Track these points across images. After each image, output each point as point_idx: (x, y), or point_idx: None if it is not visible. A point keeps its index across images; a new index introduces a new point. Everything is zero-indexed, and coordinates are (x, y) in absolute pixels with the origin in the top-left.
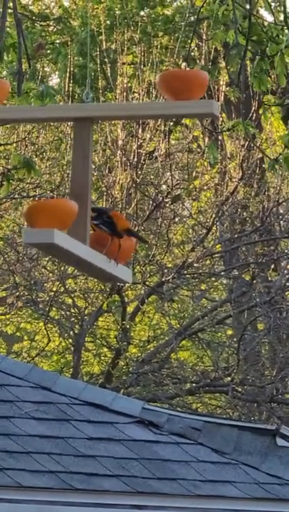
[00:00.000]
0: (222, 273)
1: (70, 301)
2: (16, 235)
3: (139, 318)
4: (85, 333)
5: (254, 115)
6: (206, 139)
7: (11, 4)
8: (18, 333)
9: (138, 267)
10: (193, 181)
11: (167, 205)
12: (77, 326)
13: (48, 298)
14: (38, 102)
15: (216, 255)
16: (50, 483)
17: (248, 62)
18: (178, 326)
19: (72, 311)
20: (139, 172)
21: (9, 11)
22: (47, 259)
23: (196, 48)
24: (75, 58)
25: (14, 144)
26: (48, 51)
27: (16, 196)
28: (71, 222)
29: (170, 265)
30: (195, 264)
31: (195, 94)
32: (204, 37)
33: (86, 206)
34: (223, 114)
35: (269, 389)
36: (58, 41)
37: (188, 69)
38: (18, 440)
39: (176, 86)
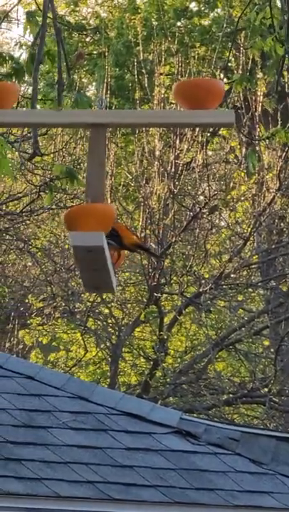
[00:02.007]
0: (259, 284)
1: (107, 311)
2: (53, 246)
3: (176, 329)
4: (122, 343)
5: None
6: (243, 150)
7: (51, 14)
8: (54, 343)
9: (175, 277)
10: (230, 192)
11: (204, 215)
12: (114, 337)
13: (85, 308)
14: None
15: (253, 266)
16: (88, 493)
17: (285, 72)
18: (215, 336)
19: (109, 321)
20: (177, 183)
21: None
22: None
23: (233, 59)
24: (111, 69)
25: (51, 155)
26: (85, 62)
27: (54, 207)
28: (111, 225)
29: (207, 276)
30: (232, 275)
31: (210, 104)
32: (242, 47)
33: None
34: (261, 125)
35: None
36: (94, 52)
37: (206, 78)
38: (55, 450)
39: (193, 95)
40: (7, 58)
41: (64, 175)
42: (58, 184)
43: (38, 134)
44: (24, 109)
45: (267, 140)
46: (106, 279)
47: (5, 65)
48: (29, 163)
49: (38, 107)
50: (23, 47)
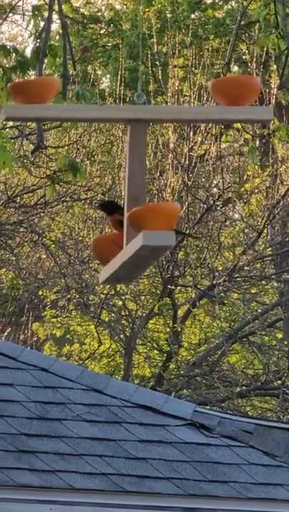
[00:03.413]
0: (273, 276)
1: (120, 303)
2: (67, 238)
3: (190, 321)
4: (136, 335)
5: None
6: (257, 142)
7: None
8: (68, 336)
9: (189, 270)
10: (244, 184)
11: (218, 208)
12: (128, 329)
13: (99, 300)
14: (71, 103)
15: (267, 258)
16: (102, 485)
17: None
18: (228, 329)
19: (123, 313)
20: (191, 175)
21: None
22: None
23: (247, 51)
24: (126, 61)
25: (66, 147)
26: (99, 54)
27: (67, 199)
28: (175, 224)
29: (221, 268)
30: (246, 268)
31: (248, 100)
32: (246, 42)
33: None
34: (275, 118)
35: None
36: (108, 44)
37: (241, 74)
38: (69, 442)
39: (230, 92)
40: (11, 51)
41: (67, 168)
42: (63, 177)
43: (42, 126)
44: (65, 104)
45: (273, 134)
46: (137, 274)
47: (9, 57)
48: (43, 155)
49: None
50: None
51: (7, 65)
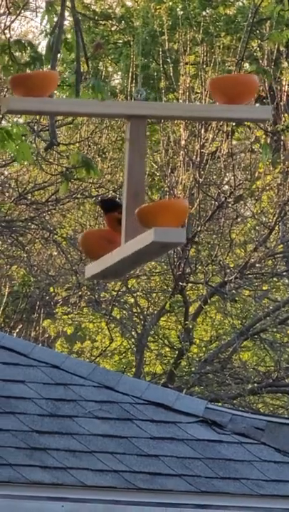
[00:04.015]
0: (284, 273)
1: (132, 300)
2: (78, 235)
3: (202, 318)
4: (148, 332)
5: None
6: (269, 140)
7: (70, 4)
8: (79, 333)
9: (200, 267)
10: (255, 181)
11: (229, 205)
12: (139, 326)
13: (110, 297)
14: (86, 95)
15: (278, 255)
16: (114, 482)
17: None
18: (240, 326)
19: (135, 310)
20: (202, 172)
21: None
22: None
23: (258, 48)
24: (137, 58)
25: (77, 144)
26: (110, 51)
27: (79, 196)
28: (184, 220)
29: (232, 265)
30: (257, 265)
31: (246, 99)
32: (259, 39)
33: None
34: (286, 115)
35: None
36: (120, 41)
37: (239, 73)
38: (81, 439)
39: (228, 90)
40: (26, 46)
41: (80, 164)
42: (75, 174)
43: (55, 123)
44: (64, 97)
45: (288, 130)
46: (129, 271)
47: (24, 53)
48: (54, 152)
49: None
50: (48, 36)
51: (21, 60)
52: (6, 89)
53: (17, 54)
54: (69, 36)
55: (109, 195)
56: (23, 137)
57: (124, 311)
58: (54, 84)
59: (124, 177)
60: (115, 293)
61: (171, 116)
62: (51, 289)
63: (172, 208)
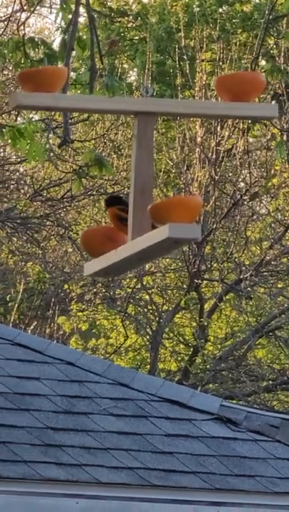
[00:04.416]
0: None
1: (147, 297)
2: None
3: (217, 316)
4: (163, 330)
5: None
6: (285, 137)
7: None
8: (94, 330)
9: (216, 264)
10: (271, 179)
11: (245, 202)
12: (154, 323)
13: (125, 294)
14: (98, 93)
15: None
16: (128, 479)
17: None
18: (255, 323)
19: (150, 307)
20: (218, 169)
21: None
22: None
23: (274, 46)
24: (153, 55)
25: (92, 141)
26: (126, 47)
27: (94, 193)
28: (197, 216)
29: (248, 263)
30: (273, 262)
31: (252, 97)
32: (273, 37)
33: (150, 201)
34: None
35: None
36: (136, 38)
37: (248, 71)
38: (96, 436)
39: (234, 88)
40: (39, 43)
41: (93, 162)
42: (88, 172)
43: (70, 120)
44: (73, 93)
45: None
46: (133, 268)
47: (37, 50)
48: (69, 149)
49: (68, 93)
50: (63, 33)
51: (35, 58)
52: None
53: (31, 52)
54: (82, 34)
55: (116, 193)
56: (36, 134)
57: (139, 308)
58: (63, 79)
59: (131, 174)
60: (130, 290)
61: (176, 113)
62: (66, 286)
63: (186, 204)
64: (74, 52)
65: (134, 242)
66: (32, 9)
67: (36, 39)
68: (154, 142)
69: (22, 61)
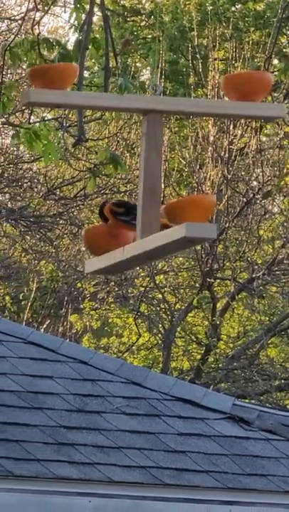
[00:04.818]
0: None
1: (160, 296)
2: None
3: (229, 315)
4: (175, 328)
5: None
6: None
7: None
8: (107, 328)
9: (228, 263)
10: (284, 178)
11: (258, 201)
12: (166, 322)
13: (138, 293)
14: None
15: None
16: (141, 478)
17: None
18: (267, 322)
19: (162, 306)
20: (230, 168)
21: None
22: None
23: (287, 44)
24: (166, 54)
25: (106, 140)
26: (139, 46)
27: (107, 192)
28: (210, 216)
29: (260, 262)
30: (285, 261)
31: (259, 96)
32: (286, 36)
33: (159, 200)
34: None
35: None
36: (149, 36)
37: (255, 71)
38: (108, 435)
39: (241, 87)
40: (54, 44)
41: (108, 161)
42: (103, 170)
43: (83, 119)
44: (83, 91)
45: None
46: (137, 266)
47: (52, 50)
48: (82, 147)
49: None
50: (76, 32)
51: (50, 58)
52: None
53: (45, 52)
54: (96, 33)
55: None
56: (51, 134)
57: (152, 307)
58: (73, 76)
59: (139, 172)
60: (143, 289)
61: (185, 112)
62: (79, 285)
63: (200, 203)
64: (87, 52)
65: (145, 241)
66: (47, 9)
67: (51, 39)
68: (163, 141)
69: (37, 61)
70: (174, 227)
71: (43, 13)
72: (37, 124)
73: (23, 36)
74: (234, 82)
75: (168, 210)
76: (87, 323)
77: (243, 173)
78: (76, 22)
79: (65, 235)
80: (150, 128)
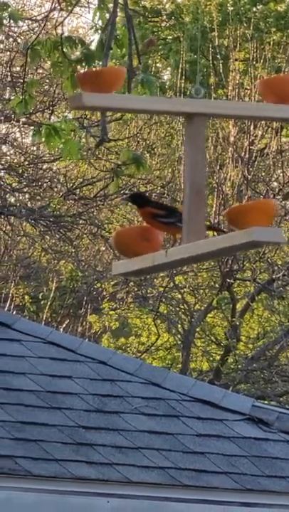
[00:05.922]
0: None
1: (179, 296)
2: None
3: (249, 315)
4: (194, 329)
5: None
6: None
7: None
8: (126, 329)
9: (248, 263)
10: None
11: (278, 202)
12: (186, 322)
13: (157, 293)
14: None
15: None
16: (159, 478)
17: None
18: (287, 323)
19: (182, 306)
20: (251, 169)
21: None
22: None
23: None
24: (187, 54)
25: (126, 140)
26: (160, 47)
27: (127, 192)
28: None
29: (280, 262)
30: None
31: None
32: None
33: (205, 203)
34: None
35: None
36: (169, 37)
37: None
38: (127, 435)
39: (278, 90)
40: (77, 43)
41: (131, 161)
42: (125, 171)
43: (106, 120)
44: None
45: None
46: (175, 267)
47: (75, 49)
48: (103, 147)
49: None
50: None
51: (72, 57)
52: (56, 85)
53: (67, 51)
54: (119, 32)
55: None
56: (72, 133)
57: (171, 307)
58: (121, 80)
59: (184, 176)
60: (162, 289)
61: (231, 116)
62: (98, 285)
63: (263, 208)
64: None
65: (198, 244)
66: (70, 9)
67: (74, 38)
68: (205, 143)
69: (59, 60)
70: (240, 231)
71: (66, 13)
72: (58, 120)
73: (44, 36)
74: (272, 84)
75: (231, 214)
76: (106, 323)
77: (263, 173)
78: (100, 21)
79: (84, 235)
80: (194, 131)
